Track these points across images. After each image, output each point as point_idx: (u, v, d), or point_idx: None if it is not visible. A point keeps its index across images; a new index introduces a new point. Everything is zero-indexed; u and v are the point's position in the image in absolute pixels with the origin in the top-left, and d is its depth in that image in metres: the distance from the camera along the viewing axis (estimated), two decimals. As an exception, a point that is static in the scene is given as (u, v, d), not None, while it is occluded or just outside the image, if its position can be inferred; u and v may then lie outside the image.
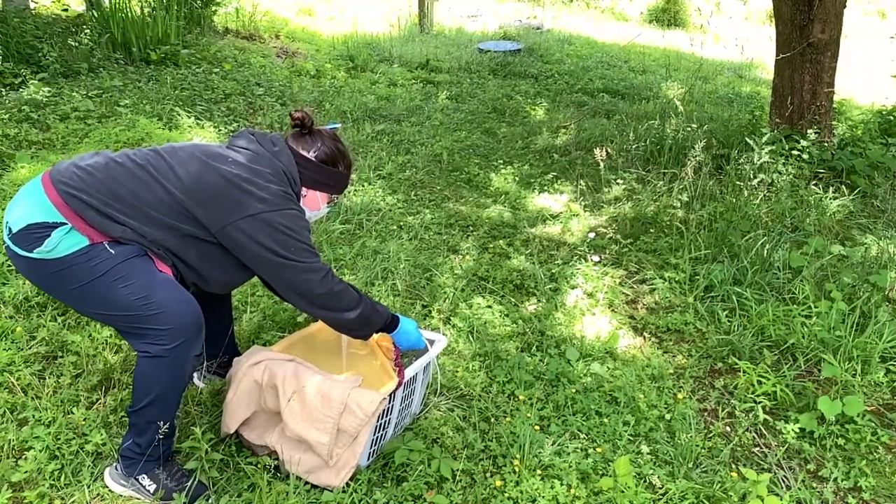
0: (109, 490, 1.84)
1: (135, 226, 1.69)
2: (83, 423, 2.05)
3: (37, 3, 6.93)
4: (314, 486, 1.90)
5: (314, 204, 1.98)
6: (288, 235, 1.76)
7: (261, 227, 1.73)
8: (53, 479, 1.86)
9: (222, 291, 1.97)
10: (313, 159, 1.92)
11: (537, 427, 2.22)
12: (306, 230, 1.83)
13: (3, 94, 4.56)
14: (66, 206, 1.64)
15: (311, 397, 1.84)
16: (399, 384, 1.94)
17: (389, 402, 1.94)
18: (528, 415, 2.27)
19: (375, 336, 2.07)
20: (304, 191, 1.93)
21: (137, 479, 1.81)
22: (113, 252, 1.67)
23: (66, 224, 1.63)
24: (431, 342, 2.14)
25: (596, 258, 3.39)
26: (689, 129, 4.86)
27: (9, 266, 2.70)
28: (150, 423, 1.76)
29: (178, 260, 1.77)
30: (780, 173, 4.06)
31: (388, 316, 1.99)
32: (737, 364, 2.61)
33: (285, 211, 1.77)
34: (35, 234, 1.62)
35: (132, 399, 1.76)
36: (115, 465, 1.85)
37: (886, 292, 3.01)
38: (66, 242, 1.63)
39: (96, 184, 1.68)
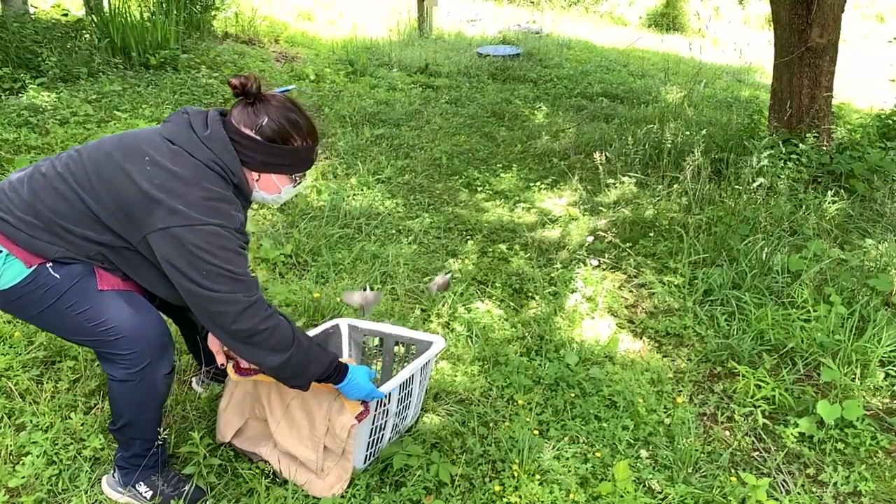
0: (107, 497, 1.83)
1: (63, 243, 1.55)
2: (81, 428, 2.05)
3: (36, 7, 6.94)
4: (312, 492, 1.89)
5: (271, 187, 1.70)
6: (198, 257, 1.50)
7: (170, 244, 1.50)
8: (51, 485, 1.85)
9: (179, 304, 1.68)
10: (258, 138, 1.61)
11: (536, 431, 2.21)
12: (228, 250, 1.53)
13: (3, 98, 4.57)
14: None
15: (297, 417, 1.85)
16: (361, 416, 1.82)
17: (385, 405, 1.94)
18: (527, 419, 2.26)
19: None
20: (254, 174, 1.67)
21: (134, 487, 1.80)
22: (58, 277, 1.55)
23: (2, 251, 1.53)
24: (429, 343, 2.14)
25: (595, 262, 3.39)
26: (687, 132, 4.87)
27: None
28: (132, 439, 1.76)
29: (124, 273, 1.63)
30: (778, 177, 4.06)
31: (330, 366, 1.71)
32: (736, 368, 2.61)
33: (200, 227, 1.50)
34: None
35: (111, 418, 1.74)
36: (112, 471, 1.84)
37: (886, 296, 3.01)
38: (8, 273, 1.53)
39: (20, 202, 1.55)
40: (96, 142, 1.62)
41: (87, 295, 1.58)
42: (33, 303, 1.57)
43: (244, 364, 1.82)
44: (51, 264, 1.55)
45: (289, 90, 1.67)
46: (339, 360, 1.75)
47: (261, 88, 1.63)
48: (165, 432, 1.80)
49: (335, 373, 1.72)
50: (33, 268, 1.54)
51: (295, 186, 1.74)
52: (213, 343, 1.90)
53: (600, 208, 4.07)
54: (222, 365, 1.91)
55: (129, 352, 1.60)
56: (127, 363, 1.61)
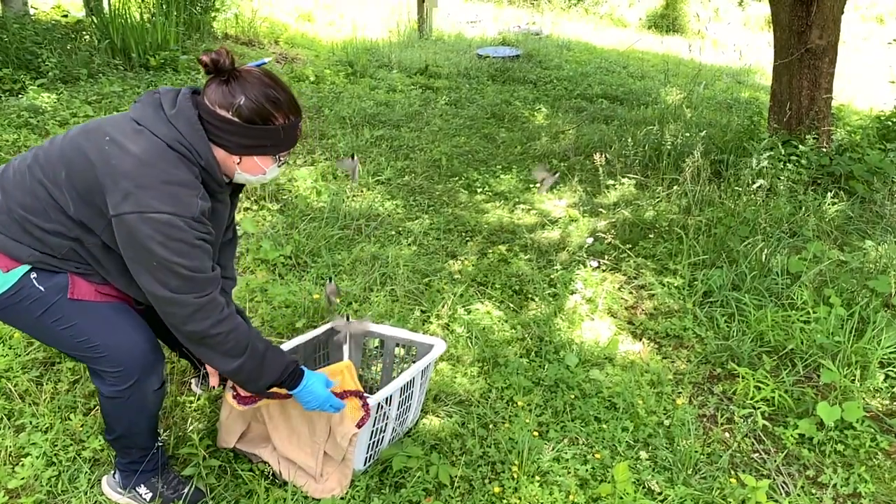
0: (107, 498, 1.83)
1: (36, 243, 1.48)
2: (80, 429, 2.04)
3: (36, 8, 6.95)
4: (312, 493, 1.89)
5: (254, 169, 1.59)
6: (146, 248, 1.40)
7: (122, 233, 1.41)
8: (50, 486, 1.85)
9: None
10: (236, 120, 1.48)
11: (536, 433, 2.21)
12: (179, 242, 1.41)
13: (3, 99, 4.57)
14: None
15: (297, 422, 1.85)
16: (362, 422, 1.81)
17: (386, 407, 1.94)
18: (527, 421, 2.26)
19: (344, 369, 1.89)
20: (235, 158, 1.55)
21: (134, 489, 1.80)
22: (42, 290, 1.50)
23: None
24: (430, 346, 2.14)
25: (595, 263, 3.39)
26: (687, 134, 4.87)
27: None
28: (128, 448, 1.75)
29: (101, 276, 1.56)
30: (778, 178, 4.06)
31: (284, 372, 1.64)
32: (736, 370, 2.61)
33: (151, 214, 1.38)
34: None
35: (105, 427, 1.73)
36: (112, 472, 1.84)
37: (885, 298, 3.01)
38: None
39: None
40: (65, 134, 1.55)
41: (72, 310, 1.54)
42: (19, 314, 1.54)
43: (243, 392, 1.78)
44: (35, 275, 1.50)
45: (264, 63, 1.50)
46: (297, 365, 1.68)
47: (235, 63, 1.50)
48: (165, 434, 1.80)
49: (289, 378, 1.65)
50: (17, 277, 1.49)
51: (280, 166, 1.63)
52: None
53: (600, 210, 4.07)
54: (213, 388, 1.90)
55: (115, 370, 1.57)
56: (114, 380, 1.58)
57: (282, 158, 1.61)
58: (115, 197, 1.39)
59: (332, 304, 2.58)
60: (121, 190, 1.39)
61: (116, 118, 1.50)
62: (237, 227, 1.99)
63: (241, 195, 1.88)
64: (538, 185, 2.67)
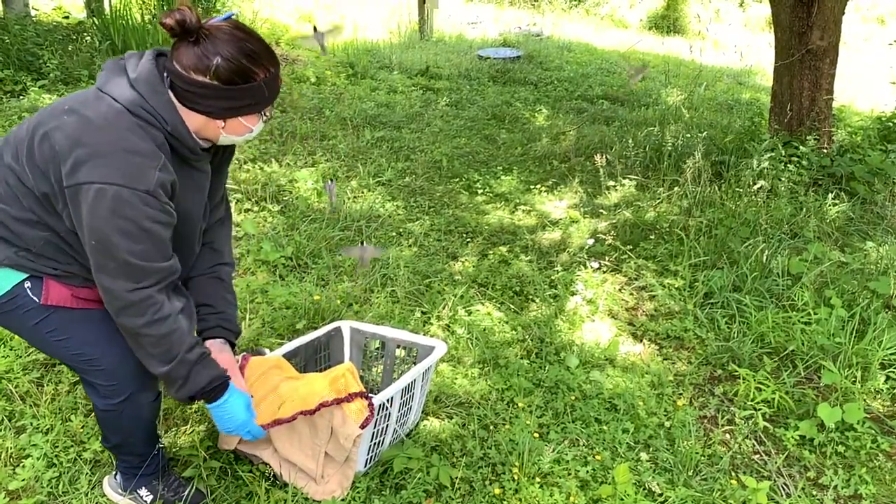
0: (108, 499, 1.83)
1: (13, 237, 1.41)
2: (81, 430, 2.04)
3: (38, 10, 6.96)
4: (312, 494, 1.89)
5: (240, 129, 1.49)
6: (90, 225, 1.31)
7: (73, 204, 1.32)
8: (51, 487, 1.85)
9: None
10: (215, 83, 1.37)
11: (536, 434, 2.21)
12: (124, 219, 1.30)
13: (4, 101, 4.57)
14: None
15: (298, 424, 1.85)
16: (365, 423, 1.80)
17: (388, 408, 1.94)
18: (528, 422, 2.26)
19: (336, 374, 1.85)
20: (219, 122, 1.45)
21: (135, 491, 1.80)
22: (37, 300, 1.46)
23: None
24: (431, 347, 2.14)
25: (595, 264, 3.39)
26: (688, 135, 4.87)
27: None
28: (126, 455, 1.75)
29: (83, 278, 1.47)
30: (779, 179, 4.06)
31: (209, 385, 1.54)
32: (736, 371, 2.61)
33: (101, 185, 1.28)
34: None
35: (102, 436, 1.73)
36: (114, 473, 1.84)
37: (886, 299, 3.01)
38: None
39: None
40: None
41: (66, 323, 1.50)
42: (14, 322, 1.51)
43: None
44: (28, 284, 1.46)
45: (232, 15, 1.36)
46: (225, 381, 1.58)
47: (201, 20, 1.38)
48: (166, 435, 1.80)
49: (211, 392, 1.56)
50: (11, 285, 1.45)
51: (266, 121, 1.54)
52: None
53: (601, 211, 4.07)
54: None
55: (109, 384, 1.55)
56: (108, 393, 1.56)
57: (267, 113, 1.52)
58: (67, 166, 1.30)
59: (364, 266, 2.57)
60: (73, 159, 1.29)
61: (84, 91, 1.42)
62: (230, 206, 1.88)
63: (230, 167, 1.78)
64: (630, 77, 2.60)
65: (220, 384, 1.58)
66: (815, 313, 2.85)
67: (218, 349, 1.73)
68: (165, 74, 1.40)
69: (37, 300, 1.47)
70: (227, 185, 1.83)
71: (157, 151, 1.36)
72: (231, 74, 1.38)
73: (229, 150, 1.69)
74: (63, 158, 1.31)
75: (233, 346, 1.81)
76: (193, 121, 1.44)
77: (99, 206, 1.29)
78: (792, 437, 2.30)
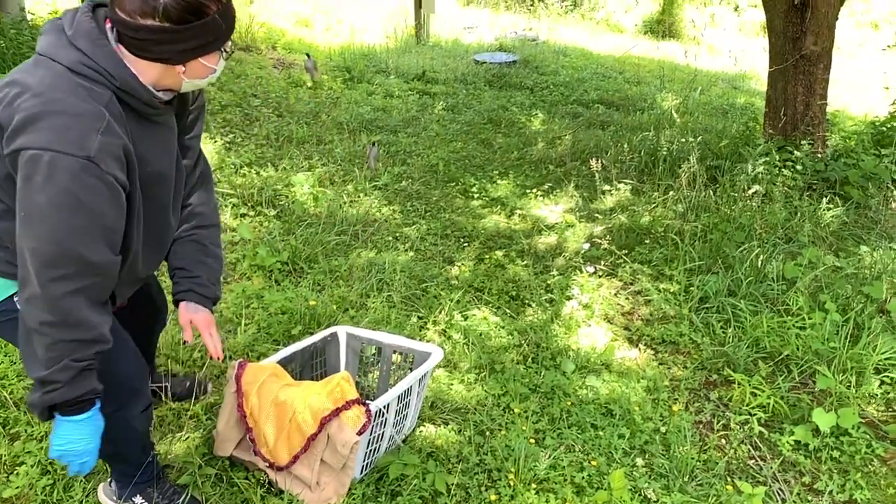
0: (102, 505, 1.83)
1: None
2: (76, 437, 2.03)
3: (34, 13, 6.94)
4: (308, 501, 1.89)
5: (202, 71, 1.36)
6: (20, 196, 1.20)
7: (12, 171, 1.23)
8: (45, 495, 1.85)
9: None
10: (166, 25, 1.24)
11: (532, 440, 2.21)
12: (56, 190, 1.19)
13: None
14: None
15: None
16: (363, 430, 1.80)
17: (384, 416, 1.94)
18: (524, 428, 2.26)
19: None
20: (179, 68, 1.33)
21: (130, 499, 1.79)
22: None
23: None
24: (427, 353, 2.14)
25: (591, 269, 3.39)
26: (683, 140, 4.89)
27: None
28: (119, 463, 1.74)
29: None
30: (773, 184, 4.08)
31: (81, 397, 1.38)
32: (732, 376, 2.61)
33: (36, 151, 1.17)
34: None
35: None
36: (108, 480, 1.84)
37: (880, 303, 3.02)
38: None
39: None
40: None
41: None
42: (8, 332, 1.47)
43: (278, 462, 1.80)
44: (17, 297, 1.37)
45: None
46: (95, 401, 1.42)
47: None
48: (161, 442, 1.79)
49: (74, 404, 1.38)
50: (1, 297, 1.42)
51: (226, 58, 1.40)
52: (182, 316, 1.71)
53: (596, 215, 4.08)
54: (185, 343, 1.76)
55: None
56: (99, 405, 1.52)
57: (227, 49, 1.38)
58: (5, 137, 1.21)
59: (375, 169, 2.60)
60: (11, 128, 1.20)
61: (27, 60, 1.31)
62: (209, 166, 1.75)
63: (204, 123, 1.67)
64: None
65: (89, 400, 1.41)
66: (810, 318, 2.86)
67: (193, 309, 1.69)
68: (110, 26, 1.28)
69: None
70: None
71: (102, 112, 1.24)
72: (182, 12, 1.25)
73: (198, 104, 1.59)
74: (3, 129, 1.22)
75: (211, 310, 1.74)
76: (149, 71, 1.31)
77: (33, 173, 1.18)
78: (787, 442, 2.30)
